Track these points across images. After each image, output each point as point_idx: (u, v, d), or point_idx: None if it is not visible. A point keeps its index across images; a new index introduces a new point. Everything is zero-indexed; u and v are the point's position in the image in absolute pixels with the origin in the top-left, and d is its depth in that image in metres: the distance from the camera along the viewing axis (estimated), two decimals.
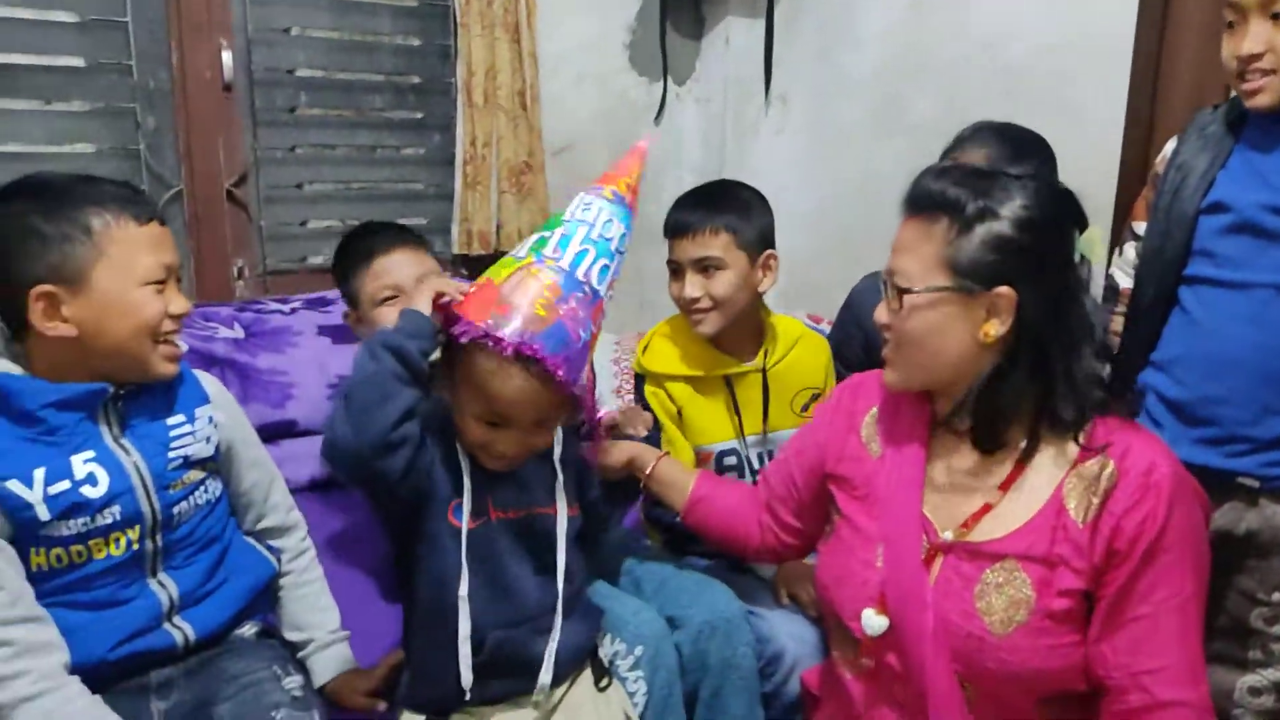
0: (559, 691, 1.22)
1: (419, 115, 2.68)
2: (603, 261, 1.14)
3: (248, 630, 1.33)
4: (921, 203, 1.08)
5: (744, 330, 1.68)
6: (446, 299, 1.12)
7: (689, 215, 1.62)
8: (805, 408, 1.73)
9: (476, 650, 1.15)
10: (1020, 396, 1.06)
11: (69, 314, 1.14)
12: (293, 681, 1.27)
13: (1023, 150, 1.57)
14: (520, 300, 1.07)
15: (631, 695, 1.32)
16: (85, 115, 2.25)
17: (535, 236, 1.16)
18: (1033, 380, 1.05)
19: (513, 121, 2.59)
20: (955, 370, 1.08)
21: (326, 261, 2.59)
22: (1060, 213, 1.06)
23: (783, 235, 1.71)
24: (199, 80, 2.32)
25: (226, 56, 2.32)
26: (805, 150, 2.79)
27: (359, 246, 1.70)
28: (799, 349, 1.73)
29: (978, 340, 1.05)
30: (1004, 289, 1.02)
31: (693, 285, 1.61)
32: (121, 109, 2.27)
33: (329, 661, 1.37)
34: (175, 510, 1.23)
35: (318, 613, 1.40)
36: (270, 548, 1.39)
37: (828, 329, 2.15)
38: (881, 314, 1.12)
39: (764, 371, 1.68)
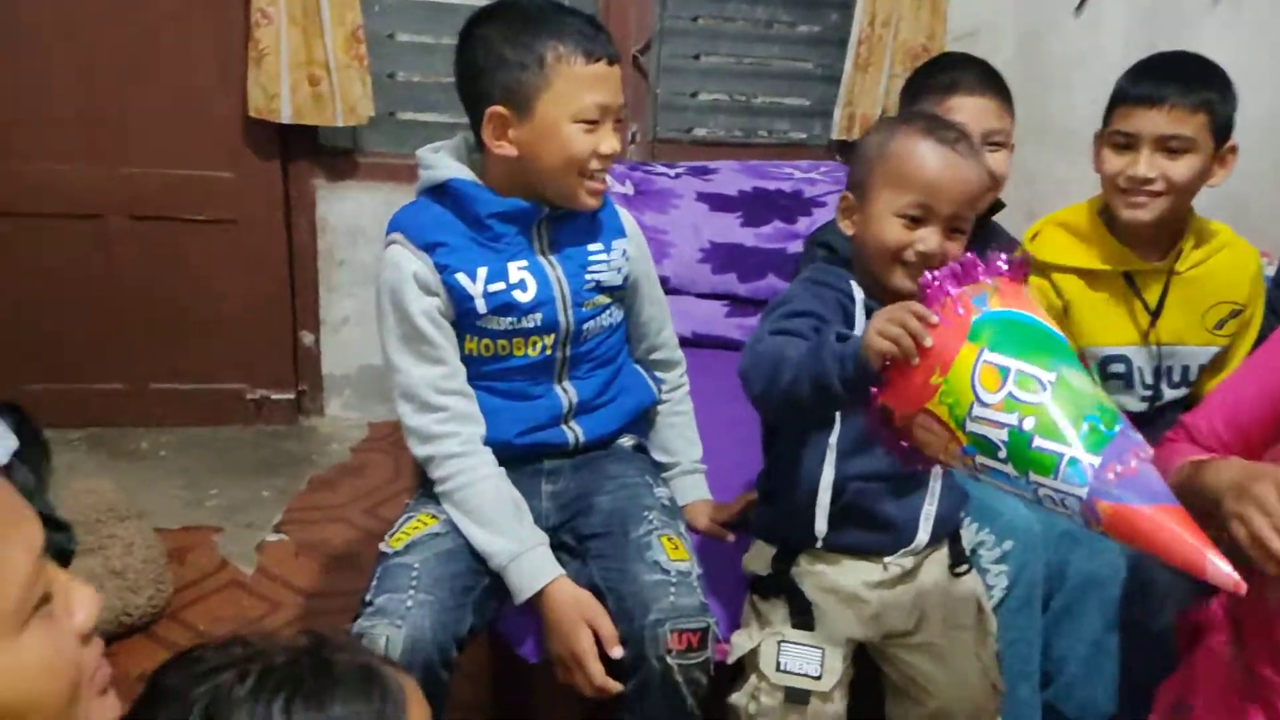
0: (909, 562, 1.22)
1: None
2: None
3: (626, 443, 1.46)
4: None
5: (1165, 224, 1.50)
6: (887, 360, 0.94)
7: (1165, 85, 1.43)
8: (1221, 324, 1.54)
9: (835, 498, 1.18)
10: None
11: (513, 136, 1.25)
12: (663, 492, 1.39)
13: None
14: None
15: (989, 589, 1.30)
16: None
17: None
18: None
19: (917, 1, 2.48)
20: None
21: (710, 134, 2.70)
22: None
23: None
24: None
25: None
26: (1265, 53, 2.39)
27: (943, 75, 1.55)
28: (1223, 255, 1.54)
29: None
30: None
31: (1150, 164, 1.44)
32: None
33: (689, 487, 1.47)
34: (585, 327, 1.35)
35: (685, 442, 1.51)
36: (654, 377, 1.51)
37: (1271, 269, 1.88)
38: None
39: (1169, 274, 1.51)
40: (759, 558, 1.26)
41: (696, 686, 1.19)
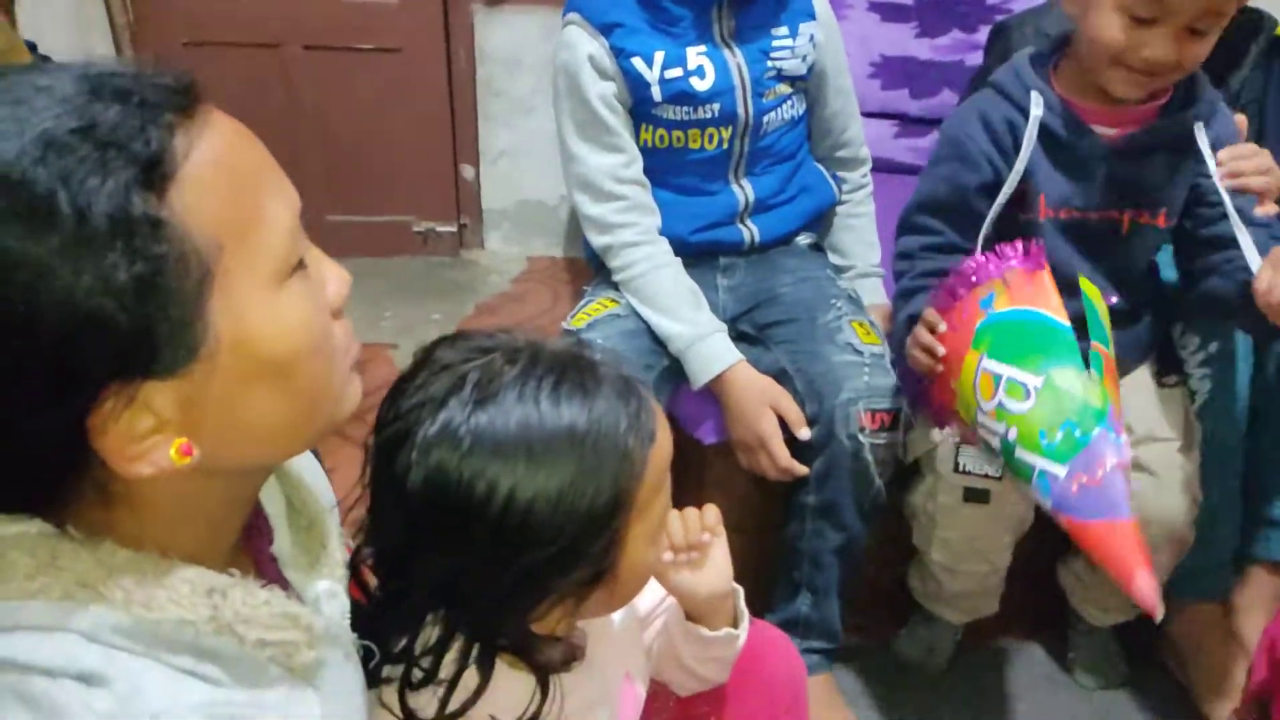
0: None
1: None
2: None
3: (803, 241, 1.42)
4: None
5: None
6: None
7: None
8: None
9: None
10: None
11: None
12: (847, 285, 1.36)
13: None
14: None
15: (1194, 393, 1.22)
16: None
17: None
18: None
19: None
20: None
21: None
22: None
23: None
24: None
25: None
26: None
27: None
28: None
29: None
30: None
31: None
32: None
33: (866, 290, 1.42)
34: (765, 119, 1.30)
35: (863, 245, 1.46)
36: (835, 177, 1.45)
37: None
38: None
39: None
40: None
41: (885, 468, 1.18)
